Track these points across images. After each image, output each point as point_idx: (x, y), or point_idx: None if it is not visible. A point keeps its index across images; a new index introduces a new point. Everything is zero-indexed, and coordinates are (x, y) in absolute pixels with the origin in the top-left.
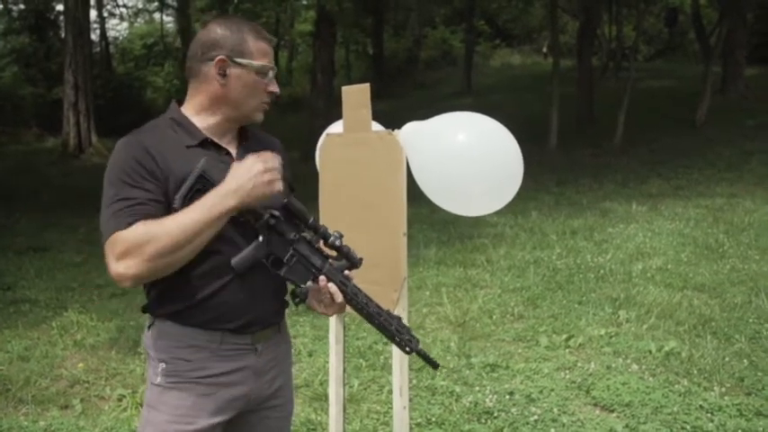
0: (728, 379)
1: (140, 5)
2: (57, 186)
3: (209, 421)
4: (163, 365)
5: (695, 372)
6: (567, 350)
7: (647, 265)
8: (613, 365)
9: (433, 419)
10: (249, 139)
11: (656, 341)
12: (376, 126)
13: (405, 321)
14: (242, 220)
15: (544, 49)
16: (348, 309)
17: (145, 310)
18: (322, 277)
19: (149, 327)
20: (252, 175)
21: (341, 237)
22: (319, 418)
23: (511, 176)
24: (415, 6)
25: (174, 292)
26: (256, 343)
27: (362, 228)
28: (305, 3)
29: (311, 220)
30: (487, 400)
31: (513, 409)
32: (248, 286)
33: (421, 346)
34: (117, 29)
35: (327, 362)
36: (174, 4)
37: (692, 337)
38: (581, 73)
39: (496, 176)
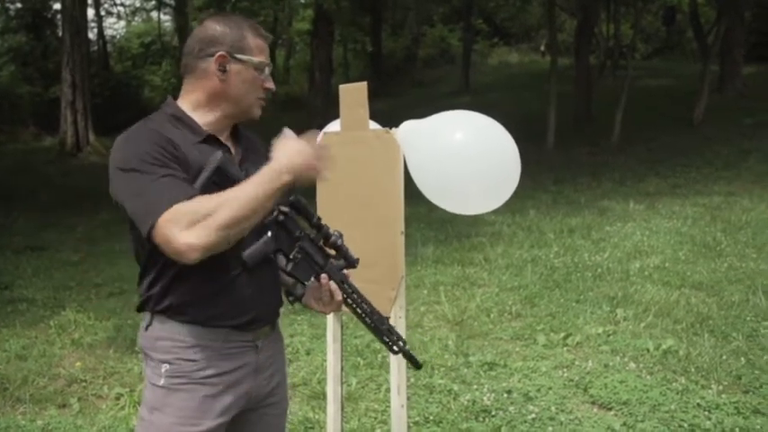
0: (726, 377)
1: (138, 4)
2: (54, 185)
3: (216, 422)
4: (166, 366)
5: (693, 370)
6: (565, 348)
7: (644, 263)
8: (611, 364)
9: (431, 418)
10: (243, 138)
11: (654, 339)
12: (373, 124)
13: (403, 320)
14: None
15: (542, 48)
16: (344, 308)
17: (140, 308)
18: (324, 275)
19: (147, 327)
20: (305, 154)
21: (341, 236)
22: (317, 417)
23: (508, 175)
24: (413, 5)
25: (181, 286)
26: (257, 340)
27: (360, 226)
28: (303, 1)
29: (315, 218)
30: (485, 398)
31: (511, 408)
32: (256, 281)
33: (407, 347)
34: (114, 27)
35: (325, 360)
36: (172, 2)
37: (690, 335)
38: (579, 71)
39: (494, 175)
